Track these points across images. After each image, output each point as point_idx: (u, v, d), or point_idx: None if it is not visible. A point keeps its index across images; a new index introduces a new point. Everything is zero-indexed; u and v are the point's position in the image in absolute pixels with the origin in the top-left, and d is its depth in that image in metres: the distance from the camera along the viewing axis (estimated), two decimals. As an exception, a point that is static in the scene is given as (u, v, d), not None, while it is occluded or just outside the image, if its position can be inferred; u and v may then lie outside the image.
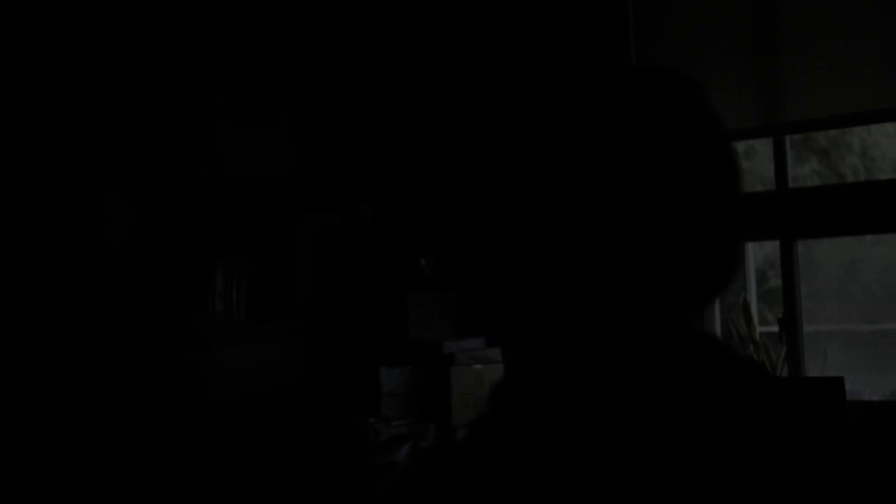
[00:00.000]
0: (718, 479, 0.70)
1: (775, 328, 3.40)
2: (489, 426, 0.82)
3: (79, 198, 2.75)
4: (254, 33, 3.28)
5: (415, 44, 3.95)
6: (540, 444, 0.75)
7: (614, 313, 0.75)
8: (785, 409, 0.74)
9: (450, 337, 3.62)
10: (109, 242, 2.77)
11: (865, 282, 5.25)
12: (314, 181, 3.44)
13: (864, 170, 5.47)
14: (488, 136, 3.82)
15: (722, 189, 0.75)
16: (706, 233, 0.74)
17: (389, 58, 3.84)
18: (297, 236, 3.34)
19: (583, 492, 0.72)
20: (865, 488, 0.70)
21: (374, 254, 3.75)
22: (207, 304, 3.14)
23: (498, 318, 3.47)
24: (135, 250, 2.84)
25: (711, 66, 3.50)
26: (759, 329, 3.86)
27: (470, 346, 3.54)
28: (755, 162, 4.11)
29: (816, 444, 0.71)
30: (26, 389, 2.58)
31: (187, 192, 3.11)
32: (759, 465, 0.70)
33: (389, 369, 3.54)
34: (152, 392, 2.82)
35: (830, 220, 3.33)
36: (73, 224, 2.73)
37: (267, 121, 3.29)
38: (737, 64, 3.51)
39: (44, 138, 2.70)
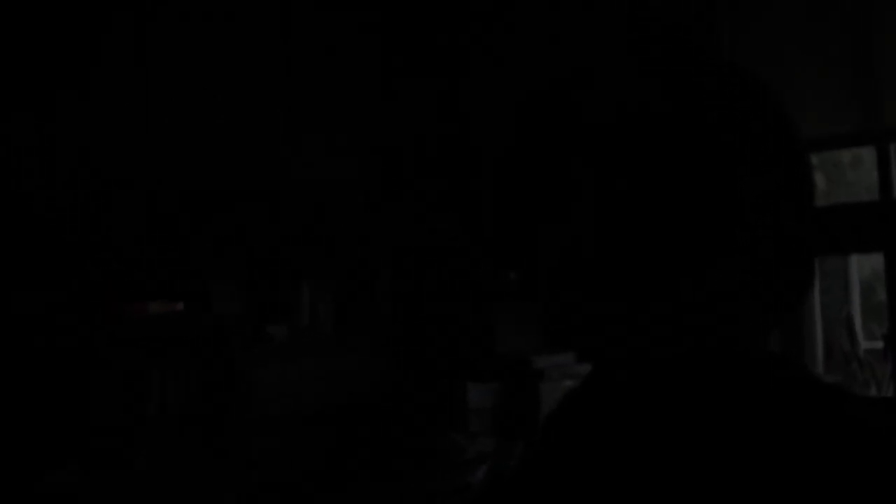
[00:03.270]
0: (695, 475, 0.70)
1: (881, 344, 3.26)
2: (540, 453, 0.83)
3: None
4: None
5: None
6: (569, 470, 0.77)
7: (612, 311, 0.75)
8: (773, 401, 0.73)
9: (539, 351, 3.51)
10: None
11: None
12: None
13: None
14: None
15: (726, 184, 0.75)
16: (709, 230, 0.74)
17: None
18: (378, 251, 3.38)
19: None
20: (864, 485, 0.69)
21: (459, 266, 3.73)
22: (293, 317, 3.20)
23: (583, 333, 3.36)
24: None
25: (811, 71, 3.33)
26: (866, 345, 3.69)
27: (560, 362, 3.44)
28: (860, 172, 3.98)
29: (808, 442, 0.70)
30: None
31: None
32: (731, 462, 0.70)
33: (477, 385, 3.48)
34: (230, 403, 2.86)
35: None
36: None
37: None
38: (836, 70, 3.32)
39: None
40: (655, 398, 0.75)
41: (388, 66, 3.83)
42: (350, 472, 3.02)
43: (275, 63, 3.34)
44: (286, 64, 3.38)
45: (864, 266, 4.25)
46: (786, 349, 3.49)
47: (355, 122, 3.66)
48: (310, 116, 3.46)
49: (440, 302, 3.69)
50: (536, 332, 3.58)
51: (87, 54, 2.81)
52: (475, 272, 3.73)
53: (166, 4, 3.02)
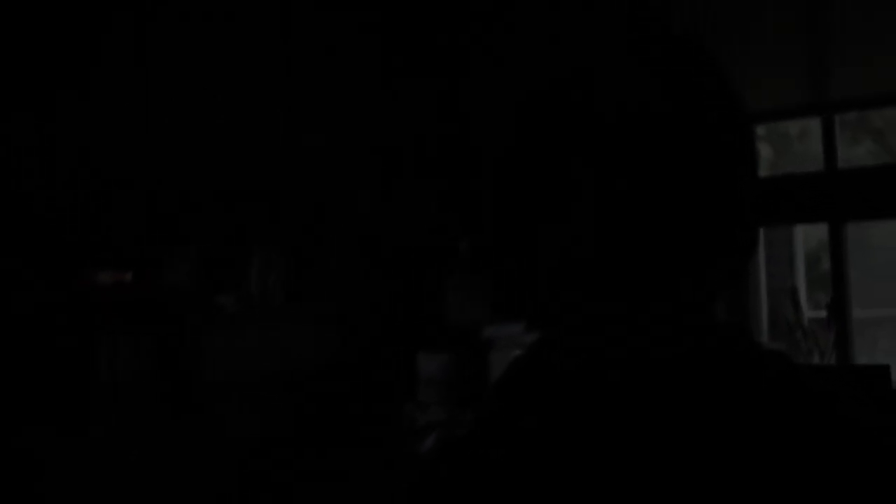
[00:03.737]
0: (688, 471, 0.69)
1: (825, 314, 3.29)
2: (485, 421, 0.82)
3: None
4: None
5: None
6: (528, 443, 0.76)
7: (612, 311, 0.75)
8: (766, 399, 0.73)
9: (489, 322, 3.55)
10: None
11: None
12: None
13: (922, 151, 5.30)
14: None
15: (726, 184, 0.75)
16: (709, 230, 0.74)
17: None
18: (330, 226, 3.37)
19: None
20: (857, 484, 0.69)
21: (411, 238, 3.72)
22: (242, 287, 3.17)
23: (534, 303, 3.37)
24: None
25: (759, 43, 3.34)
26: (811, 315, 3.68)
27: (509, 332, 3.49)
28: (808, 143, 3.98)
29: (799, 442, 0.70)
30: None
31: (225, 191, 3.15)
32: (723, 455, 0.69)
33: (427, 355, 3.48)
34: (179, 371, 2.83)
35: (881, 201, 3.20)
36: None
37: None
38: (784, 42, 3.35)
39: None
40: (605, 371, 0.75)
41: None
42: (303, 444, 3.01)
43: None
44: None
45: (810, 237, 4.27)
46: (731, 317, 3.50)
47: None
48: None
49: (392, 272, 3.67)
50: (486, 303, 3.62)
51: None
52: (427, 243, 3.73)
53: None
